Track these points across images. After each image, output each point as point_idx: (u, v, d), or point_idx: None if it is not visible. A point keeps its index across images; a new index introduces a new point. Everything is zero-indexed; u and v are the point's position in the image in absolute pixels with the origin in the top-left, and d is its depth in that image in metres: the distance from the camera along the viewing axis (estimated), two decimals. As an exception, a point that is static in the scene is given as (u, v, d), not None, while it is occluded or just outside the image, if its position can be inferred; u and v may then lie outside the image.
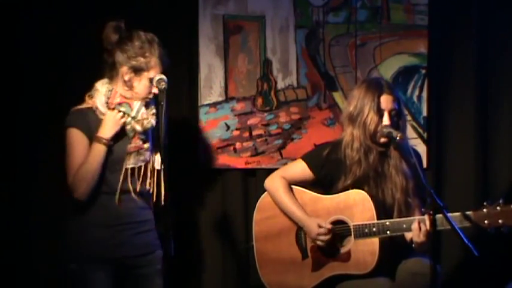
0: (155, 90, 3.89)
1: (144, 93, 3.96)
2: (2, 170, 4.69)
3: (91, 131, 3.91)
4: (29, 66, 4.70)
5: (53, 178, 4.71)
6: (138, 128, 3.94)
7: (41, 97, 4.71)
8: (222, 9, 4.82)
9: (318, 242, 4.09)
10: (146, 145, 3.98)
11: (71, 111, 3.96)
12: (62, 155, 4.64)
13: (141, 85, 3.94)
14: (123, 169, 3.93)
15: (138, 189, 3.95)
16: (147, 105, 3.98)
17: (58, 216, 4.70)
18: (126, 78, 3.93)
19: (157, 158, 3.94)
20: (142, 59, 3.92)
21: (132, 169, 3.95)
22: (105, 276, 3.92)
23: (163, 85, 3.83)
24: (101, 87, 3.97)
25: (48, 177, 4.72)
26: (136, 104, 3.96)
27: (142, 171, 3.96)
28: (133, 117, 3.94)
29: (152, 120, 3.96)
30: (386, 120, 4.07)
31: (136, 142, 3.97)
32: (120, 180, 3.91)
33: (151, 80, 3.90)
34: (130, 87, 3.94)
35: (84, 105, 3.98)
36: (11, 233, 4.69)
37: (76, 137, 3.91)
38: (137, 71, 3.92)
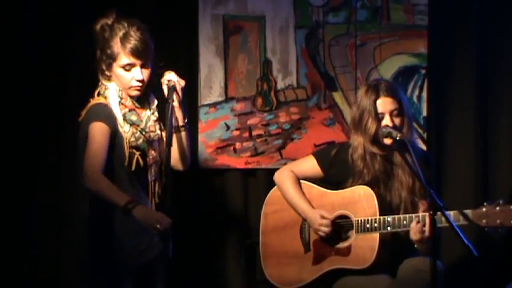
0: (165, 88, 3.85)
1: (124, 87, 3.83)
2: (3, 170, 4.70)
3: (114, 124, 3.78)
4: (29, 66, 4.71)
5: (53, 178, 4.74)
6: (147, 141, 3.87)
7: (41, 97, 4.72)
8: (222, 10, 4.82)
9: (320, 233, 4.11)
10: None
11: (90, 107, 3.83)
12: (62, 155, 4.69)
13: (115, 77, 3.82)
14: (149, 183, 3.88)
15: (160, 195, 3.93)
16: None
17: (58, 217, 4.75)
18: (108, 73, 3.84)
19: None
20: (108, 51, 3.80)
21: (154, 181, 3.90)
22: (132, 285, 3.85)
23: (172, 83, 3.81)
24: (111, 85, 3.86)
25: (48, 176, 4.73)
26: (145, 115, 3.90)
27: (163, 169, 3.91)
28: (142, 129, 3.86)
29: (158, 131, 3.92)
30: (387, 122, 4.06)
31: (152, 153, 3.91)
32: (149, 195, 3.87)
33: (124, 68, 3.79)
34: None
35: (99, 101, 3.85)
36: (11, 235, 4.70)
37: (100, 130, 3.75)
38: (109, 63, 3.82)
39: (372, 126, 4.07)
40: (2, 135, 4.70)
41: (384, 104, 4.08)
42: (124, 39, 3.78)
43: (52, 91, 4.73)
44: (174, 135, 3.88)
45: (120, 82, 3.83)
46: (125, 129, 3.81)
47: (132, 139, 3.83)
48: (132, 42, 3.77)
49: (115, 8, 3.82)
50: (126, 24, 3.81)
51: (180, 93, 3.87)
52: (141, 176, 3.86)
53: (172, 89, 3.80)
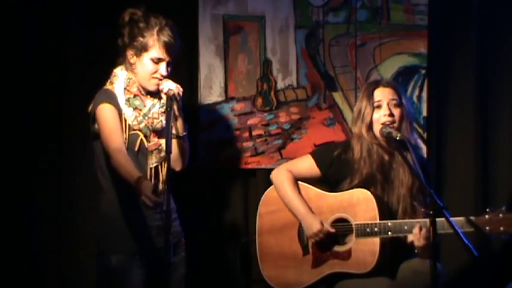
0: (163, 96, 3.90)
1: (144, 76, 3.95)
2: (2, 169, 4.70)
3: (119, 107, 3.91)
4: (28, 66, 4.71)
5: (52, 177, 4.74)
6: (149, 126, 3.95)
7: (40, 97, 4.72)
8: (222, 10, 4.82)
9: (313, 239, 4.10)
10: (163, 141, 3.99)
11: (97, 93, 3.96)
12: (61, 155, 4.69)
13: (141, 66, 3.94)
14: (148, 170, 3.94)
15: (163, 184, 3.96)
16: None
17: (56, 216, 4.75)
18: (132, 60, 3.96)
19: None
20: (141, 39, 3.93)
21: (156, 167, 3.96)
22: (141, 271, 3.92)
23: (171, 92, 3.85)
24: (120, 72, 3.99)
25: (47, 176, 4.74)
26: (149, 102, 3.98)
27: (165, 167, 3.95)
28: (144, 114, 3.94)
29: (163, 120, 3.97)
30: (385, 110, 4.08)
31: (154, 140, 3.98)
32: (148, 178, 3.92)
33: (153, 60, 3.92)
34: (134, 70, 3.96)
35: (104, 87, 3.98)
36: (11, 233, 4.71)
37: (108, 110, 3.89)
38: (138, 52, 3.94)
39: (368, 113, 4.09)
40: (1, 135, 4.71)
41: (383, 93, 4.13)
42: (160, 33, 3.93)
43: (51, 90, 4.73)
44: (175, 142, 3.95)
45: (144, 71, 3.96)
46: (128, 113, 3.92)
47: (135, 122, 3.94)
48: (167, 37, 3.93)
49: (118, 8, 3.92)
50: (162, 20, 3.96)
51: (179, 101, 3.93)
52: (141, 161, 3.93)
53: (172, 98, 3.84)
